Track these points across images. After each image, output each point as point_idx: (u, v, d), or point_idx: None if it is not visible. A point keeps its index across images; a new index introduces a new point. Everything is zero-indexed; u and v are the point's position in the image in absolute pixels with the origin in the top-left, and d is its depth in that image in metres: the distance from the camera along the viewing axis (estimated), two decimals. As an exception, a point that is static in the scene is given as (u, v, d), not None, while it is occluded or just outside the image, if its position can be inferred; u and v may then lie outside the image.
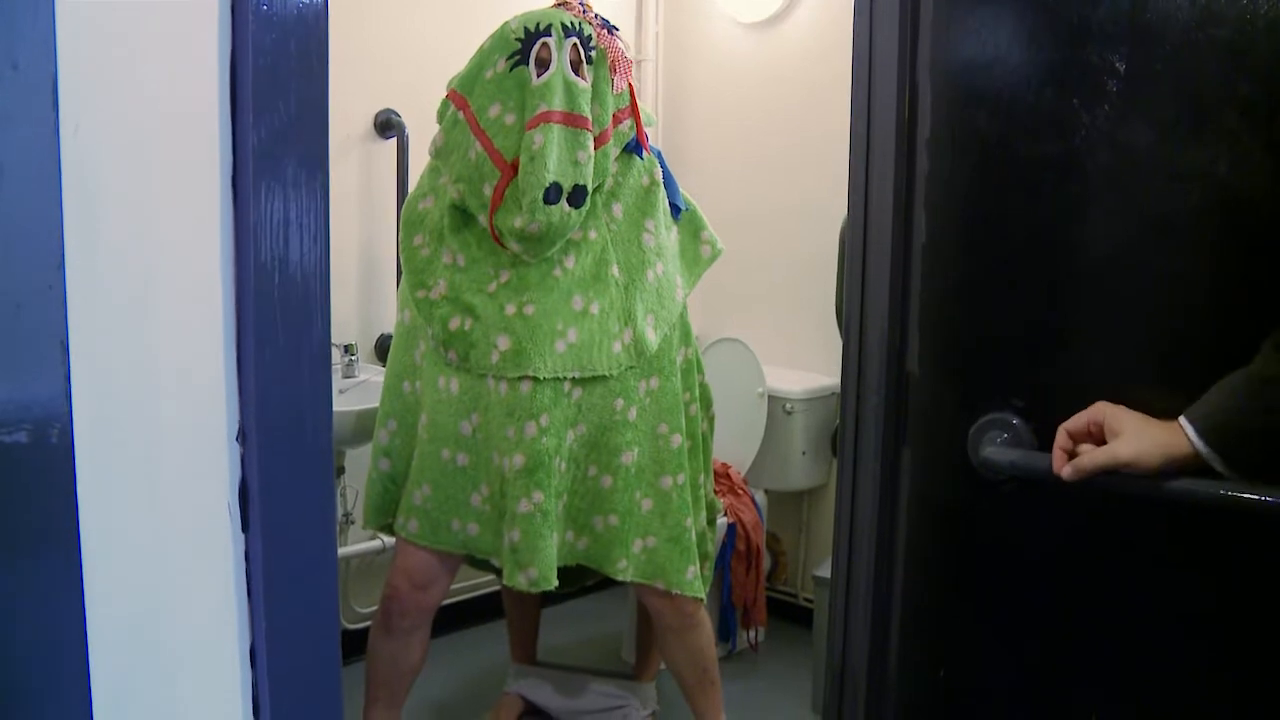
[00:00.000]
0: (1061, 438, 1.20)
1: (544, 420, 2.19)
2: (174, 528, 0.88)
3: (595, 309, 2.24)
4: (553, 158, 2.09)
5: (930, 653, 1.43)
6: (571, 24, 2.17)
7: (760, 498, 3.32)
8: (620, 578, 2.33)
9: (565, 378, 2.20)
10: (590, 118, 2.16)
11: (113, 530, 0.83)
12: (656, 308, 2.32)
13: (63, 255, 0.76)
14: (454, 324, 2.21)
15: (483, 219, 2.19)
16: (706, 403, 2.55)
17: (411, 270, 2.30)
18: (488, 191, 2.16)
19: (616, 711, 2.92)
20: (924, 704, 1.44)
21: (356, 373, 3.00)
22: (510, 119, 2.15)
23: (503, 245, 2.20)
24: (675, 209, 2.42)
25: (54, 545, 0.78)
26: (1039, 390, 1.28)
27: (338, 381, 2.90)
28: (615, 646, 3.33)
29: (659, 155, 2.42)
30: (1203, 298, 1.31)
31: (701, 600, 2.41)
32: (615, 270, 2.27)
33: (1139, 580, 1.27)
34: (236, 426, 0.89)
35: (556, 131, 2.10)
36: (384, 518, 2.41)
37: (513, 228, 2.12)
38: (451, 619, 3.29)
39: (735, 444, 3.29)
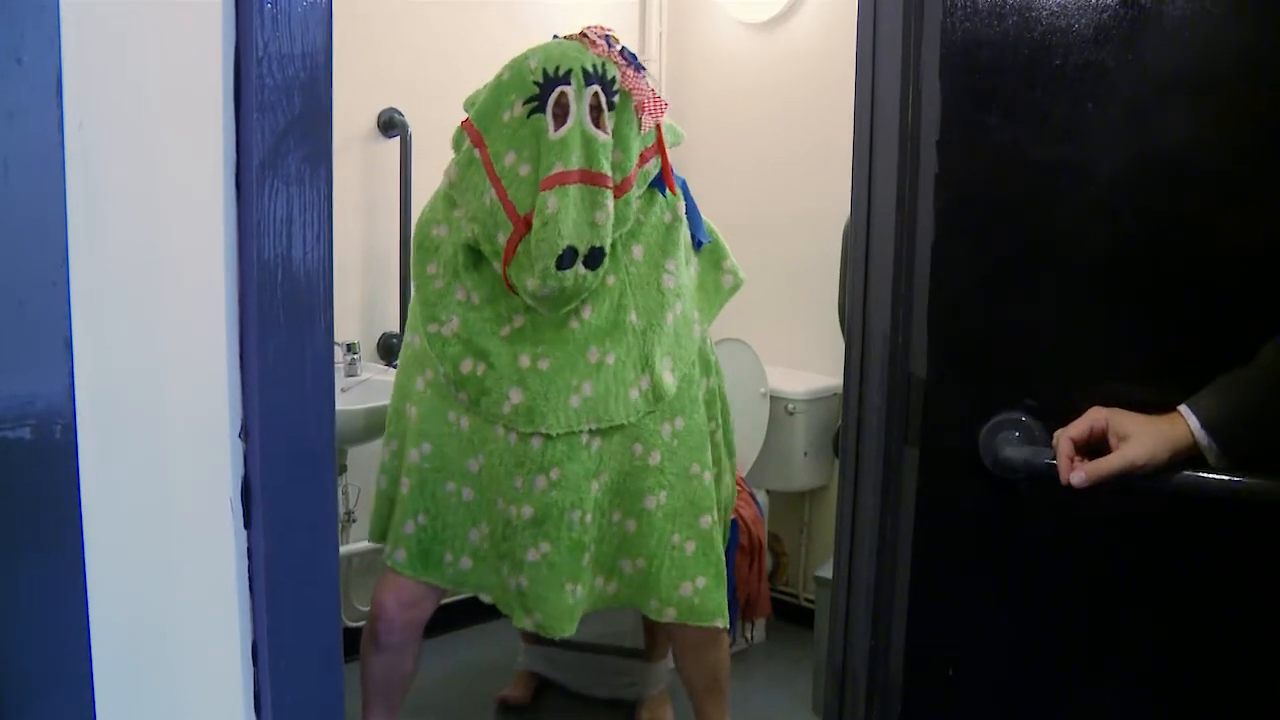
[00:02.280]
0: (1066, 446, 1.20)
1: (554, 474, 2.16)
2: (176, 524, 0.89)
3: (611, 359, 2.17)
4: (568, 221, 2.00)
5: (938, 653, 1.43)
6: (594, 68, 2.07)
7: (762, 498, 3.32)
8: (658, 619, 2.31)
9: (580, 430, 2.15)
10: (609, 173, 2.07)
11: (115, 526, 0.83)
12: (675, 349, 2.26)
13: (66, 251, 0.76)
14: (466, 367, 2.16)
15: (496, 265, 2.13)
16: (726, 415, 2.52)
17: (424, 301, 2.24)
18: (501, 240, 2.09)
19: (629, 688, 2.97)
20: (930, 705, 1.44)
21: (359, 371, 3.01)
22: (525, 170, 2.06)
23: (515, 293, 2.13)
24: (698, 242, 2.37)
25: (57, 541, 0.78)
26: (1051, 389, 1.27)
27: (340, 380, 2.91)
28: (623, 630, 3.33)
29: (684, 186, 2.35)
30: (1213, 297, 1.31)
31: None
32: (633, 317, 2.20)
33: (1156, 579, 1.27)
34: (239, 423, 0.89)
35: (573, 193, 2.01)
36: (385, 534, 2.39)
37: (525, 288, 2.06)
38: (450, 618, 3.29)
39: (737, 444, 3.28)
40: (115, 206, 0.82)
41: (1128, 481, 1.15)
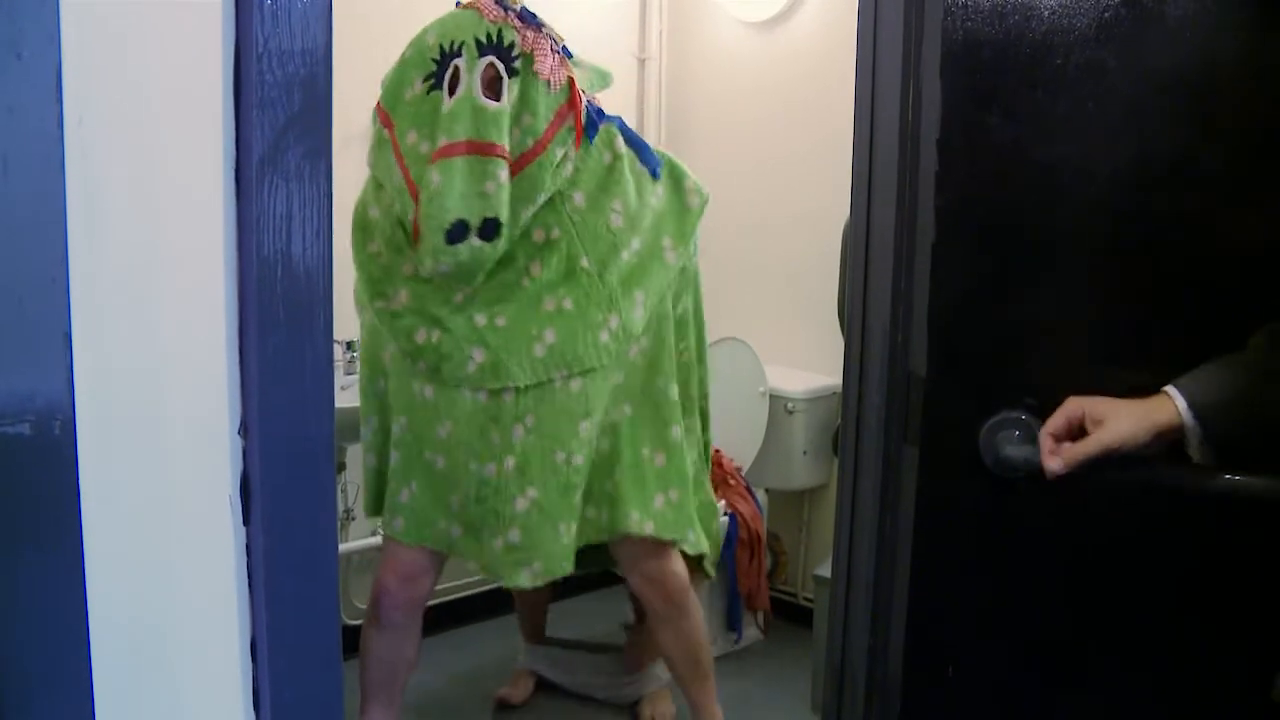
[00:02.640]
0: (1046, 441, 1.20)
1: (529, 420, 2.17)
2: (176, 520, 0.89)
3: (569, 304, 2.16)
4: (453, 194, 1.97)
5: (938, 652, 1.43)
6: (488, 37, 2.05)
7: (761, 497, 3.32)
8: (637, 531, 2.31)
9: (552, 379, 2.15)
10: (501, 142, 2.01)
11: (115, 522, 0.83)
12: (643, 284, 2.24)
13: (66, 247, 0.76)
14: (420, 337, 2.15)
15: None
16: (701, 330, 2.51)
17: (368, 278, 2.22)
18: (409, 220, 2.09)
19: (629, 687, 2.98)
20: (929, 704, 1.44)
21: (358, 369, 3.00)
22: (425, 148, 2.06)
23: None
24: (652, 170, 2.31)
25: (56, 536, 0.78)
26: (1052, 388, 1.27)
27: (339, 378, 2.90)
28: (618, 640, 3.33)
29: (620, 123, 2.29)
30: (1214, 296, 1.32)
31: (709, 576, 2.45)
32: (585, 262, 2.19)
33: (1156, 578, 1.27)
34: (239, 419, 0.89)
35: (459, 165, 1.98)
36: (380, 509, 2.40)
37: (424, 268, 2.06)
38: (447, 617, 3.29)
39: (737, 443, 3.28)
40: (115, 202, 0.82)
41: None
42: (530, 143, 2.08)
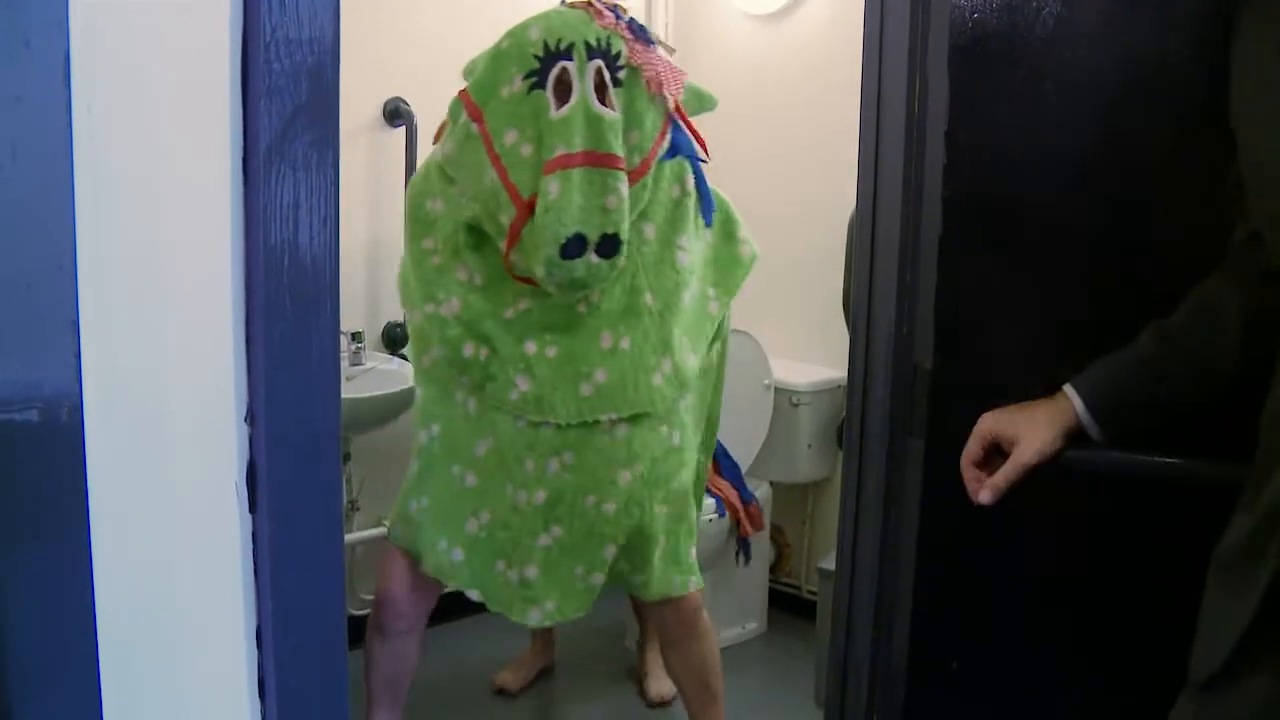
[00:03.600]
0: (969, 472, 1.24)
1: (568, 458, 2.08)
2: (182, 507, 0.89)
3: (627, 344, 2.05)
4: (572, 207, 1.85)
5: (942, 644, 1.43)
6: (598, 41, 1.93)
7: (765, 489, 3.33)
8: (680, 593, 2.25)
9: (599, 419, 2.05)
10: (620, 154, 1.91)
11: (122, 509, 0.84)
12: (693, 331, 2.16)
13: (74, 234, 0.76)
14: (468, 350, 2.05)
15: (500, 246, 2.01)
16: (719, 384, 2.43)
17: (421, 278, 2.11)
18: (504, 222, 1.97)
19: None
20: (933, 696, 1.44)
21: (363, 360, 3.01)
22: (527, 150, 1.93)
23: (519, 279, 2.02)
24: (707, 218, 2.22)
25: (63, 523, 0.78)
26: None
27: (345, 369, 2.91)
28: (619, 633, 3.33)
29: (693, 157, 2.18)
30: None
31: (700, 591, 2.32)
32: (649, 299, 2.08)
33: (1161, 570, 1.28)
34: (245, 407, 0.89)
35: (577, 177, 1.86)
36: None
37: (534, 275, 1.94)
38: (445, 611, 3.29)
39: (741, 436, 3.28)
40: (122, 190, 0.82)
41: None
42: (637, 161, 1.99)
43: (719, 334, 2.31)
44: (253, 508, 0.90)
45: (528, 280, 2.01)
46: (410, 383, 2.80)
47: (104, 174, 0.80)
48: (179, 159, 0.86)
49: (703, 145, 2.17)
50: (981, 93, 1.33)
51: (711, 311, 2.21)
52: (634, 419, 2.08)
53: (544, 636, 3.10)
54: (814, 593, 3.34)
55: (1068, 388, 1.22)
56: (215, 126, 0.86)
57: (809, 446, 3.32)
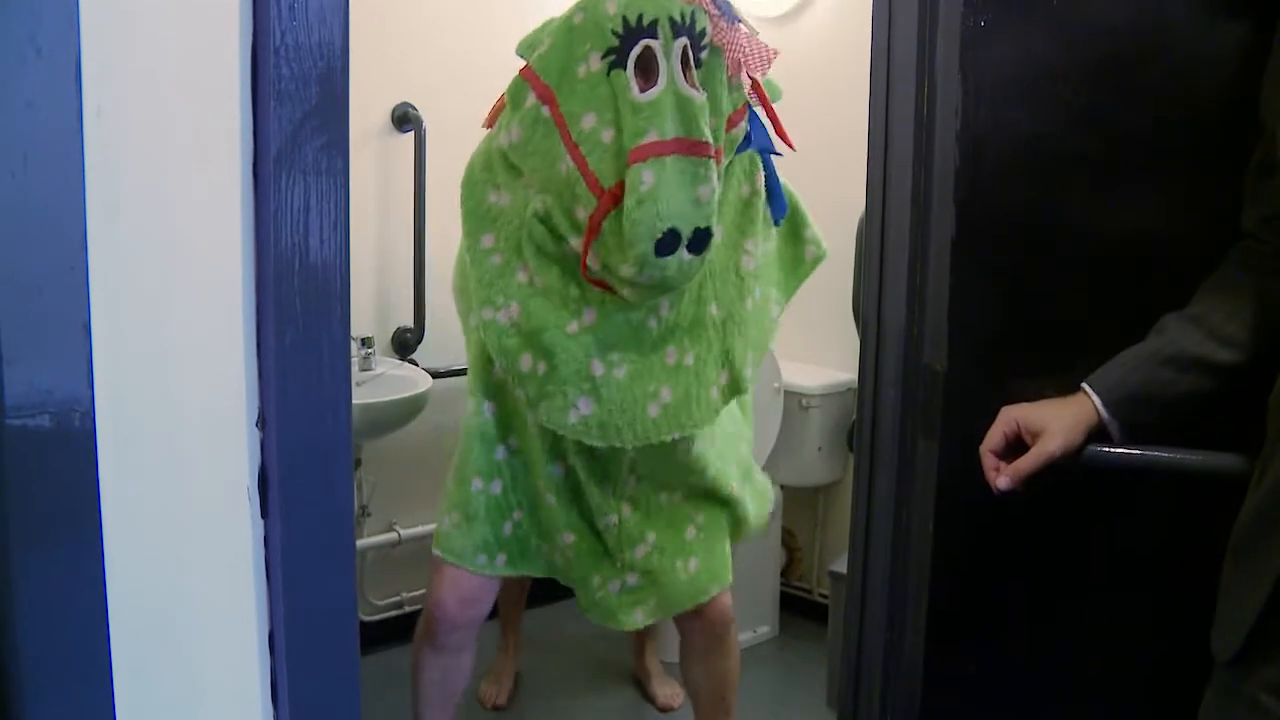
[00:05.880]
0: (988, 459, 1.25)
1: (640, 468, 2.05)
2: (194, 512, 0.89)
3: (690, 359, 1.93)
4: (668, 199, 1.67)
5: (956, 649, 1.42)
6: (683, 17, 1.73)
7: (776, 492, 3.32)
8: (719, 590, 2.22)
9: (663, 440, 1.93)
10: (711, 140, 1.73)
11: (134, 514, 0.84)
12: (757, 339, 2.01)
13: (85, 239, 0.76)
14: (525, 363, 1.88)
15: (574, 243, 1.82)
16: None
17: (480, 280, 1.92)
18: (581, 216, 1.78)
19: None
20: (948, 702, 1.43)
21: (373, 366, 3.01)
22: (608, 136, 1.74)
23: (593, 282, 1.84)
24: (776, 217, 2.06)
25: (76, 528, 0.78)
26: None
27: (355, 374, 2.91)
28: (622, 636, 3.33)
29: (766, 154, 2.01)
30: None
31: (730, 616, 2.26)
32: (713, 308, 1.94)
33: (1182, 569, 1.27)
34: (257, 412, 0.89)
35: (671, 166, 1.68)
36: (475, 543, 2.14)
37: (618, 275, 1.75)
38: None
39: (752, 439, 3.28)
40: (133, 195, 0.82)
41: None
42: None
43: None
44: (264, 513, 0.90)
45: (601, 284, 1.84)
46: (420, 389, 2.81)
47: (115, 179, 0.80)
48: (189, 164, 0.86)
49: (784, 135, 1.97)
50: (995, 94, 1.33)
51: (773, 316, 2.07)
52: (695, 435, 2.01)
53: (514, 639, 3.03)
54: (825, 596, 3.33)
55: (1086, 386, 1.23)
56: (225, 131, 0.86)
57: (820, 449, 3.31)
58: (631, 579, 2.12)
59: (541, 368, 1.87)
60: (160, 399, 0.86)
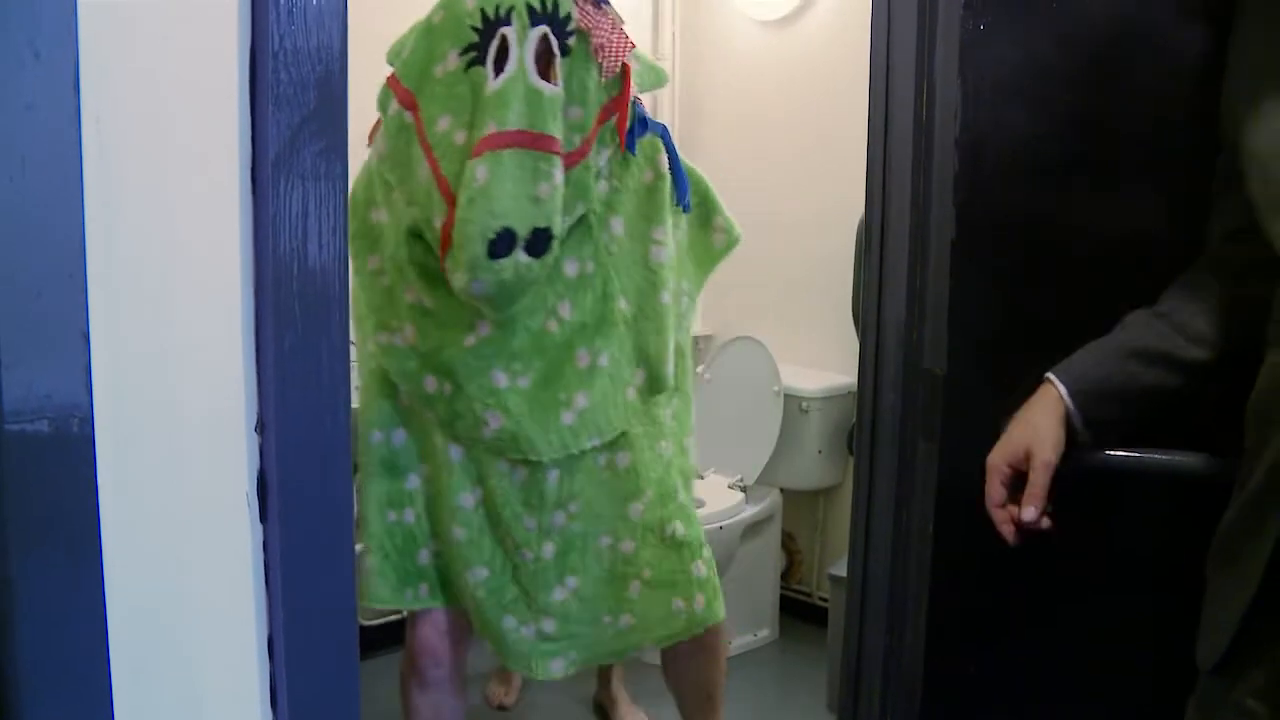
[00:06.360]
0: (998, 515, 1.21)
1: (573, 507, 1.87)
2: (193, 517, 0.89)
3: (605, 360, 1.81)
4: (503, 196, 1.57)
5: (957, 652, 1.42)
6: (543, 5, 1.64)
7: (775, 496, 3.32)
8: (716, 620, 2.02)
9: (583, 451, 1.82)
10: (558, 135, 1.63)
11: (133, 519, 0.84)
12: (680, 333, 1.92)
13: (83, 244, 0.76)
14: (430, 386, 1.79)
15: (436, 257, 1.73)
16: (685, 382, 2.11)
17: (370, 304, 1.84)
18: (438, 225, 1.67)
19: None
20: (948, 704, 1.43)
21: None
22: (461, 137, 1.64)
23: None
24: (682, 203, 1.94)
25: (75, 534, 0.78)
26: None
27: (354, 377, 2.90)
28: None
29: (663, 132, 1.89)
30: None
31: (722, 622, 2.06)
32: (622, 304, 1.83)
33: (1182, 570, 1.27)
34: (255, 417, 0.89)
35: (508, 160, 1.57)
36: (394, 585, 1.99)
37: (454, 285, 1.66)
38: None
39: (750, 442, 3.28)
40: (132, 200, 0.82)
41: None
42: (578, 141, 1.71)
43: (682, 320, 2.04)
44: (264, 517, 0.90)
45: None
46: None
47: (113, 183, 0.80)
48: (188, 168, 0.86)
49: (623, 135, 1.84)
50: (994, 97, 1.33)
51: (683, 308, 1.97)
52: (626, 443, 1.87)
53: None
54: (825, 599, 3.33)
55: (1051, 375, 1.21)
56: (224, 136, 0.86)
57: (819, 452, 3.31)
58: (547, 625, 1.93)
59: (447, 388, 1.78)
60: (159, 403, 0.86)
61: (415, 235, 1.75)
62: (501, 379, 1.76)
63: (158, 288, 0.85)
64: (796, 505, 3.53)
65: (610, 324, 1.81)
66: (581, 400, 1.79)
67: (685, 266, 1.97)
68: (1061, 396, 1.19)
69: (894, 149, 1.45)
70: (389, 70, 1.79)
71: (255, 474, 0.90)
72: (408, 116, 1.72)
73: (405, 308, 1.78)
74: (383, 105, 1.79)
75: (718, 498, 3.10)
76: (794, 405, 3.27)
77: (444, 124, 1.66)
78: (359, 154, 3.00)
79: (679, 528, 1.95)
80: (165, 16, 0.83)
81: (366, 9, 2.90)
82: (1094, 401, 1.19)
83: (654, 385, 1.88)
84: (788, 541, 3.55)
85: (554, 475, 1.83)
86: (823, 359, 3.45)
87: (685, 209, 1.95)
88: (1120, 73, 1.31)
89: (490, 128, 1.59)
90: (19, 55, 0.72)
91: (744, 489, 3.21)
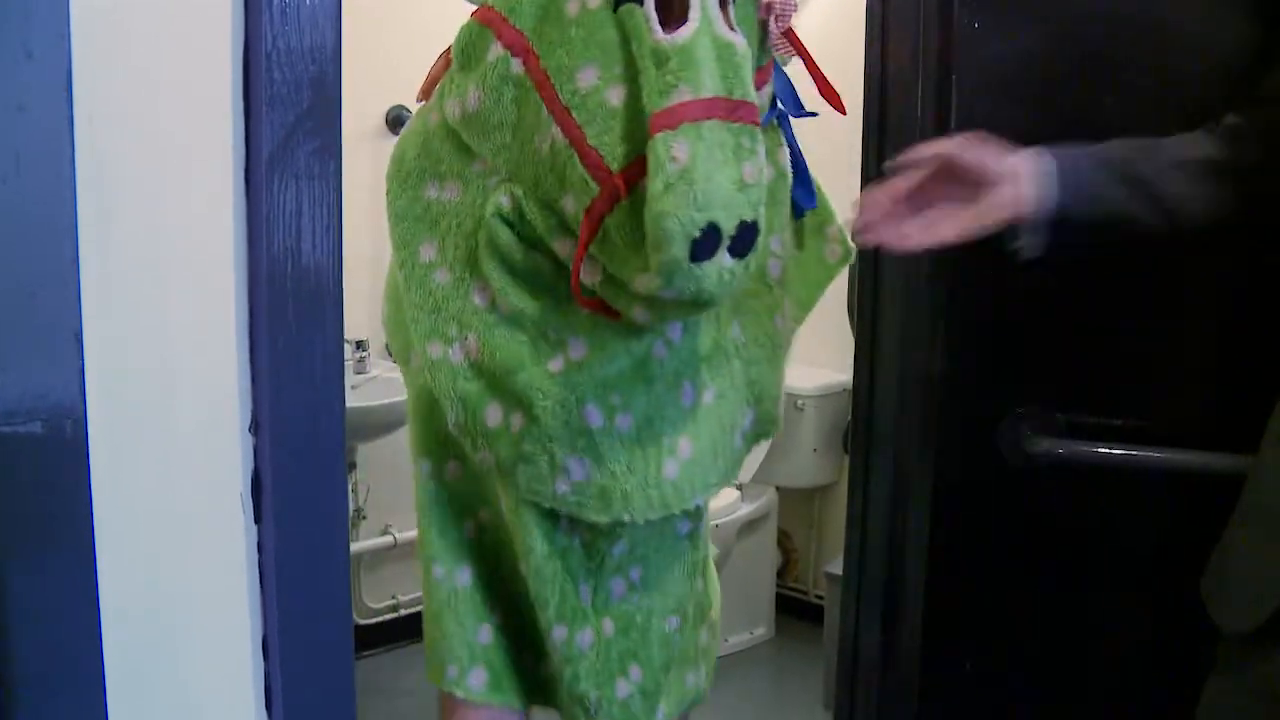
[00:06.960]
0: (882, 204, 1.13)
1: (635, 574, 1.49)
2: (187, 519, 0.89)
3: (710, 396, 1.41)
4: (704, 181, 1.13)
5: (953, 649, 1.42)
6: None
7: (771, 494, 3.32)
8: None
9: (673, 513, 1.41)
10: (757, 103, 1.22)
11: (126, 521, 0.83)
12: (781, 365, 1.51)
13: (77, 245, 0.76)
14: (493, 418, 1.36)
15: (559, 249, 1.30)
16: None
17: (422, 306, 1.39)
18: (571, 210, 1.25)
19: None
20: (944, 702, 1.43)
21: (368, 369, 3.01)
22: (616, 96, 1.21)
23: (584, 302, 1.29)
24: (799, 209, 1.54)
25: (68, 535, 0.78)
26: (1071, 382, 1.27)
27: (349, 378, 2.91)
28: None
29: (787, 126, 1.51)
30: (1232, 292, 1.31)
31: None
32: (736, 330, 1.44)
33: (1180, 570, 1.27)
34: (249, 417, 0.89)
35: (709, 136, 1.14)
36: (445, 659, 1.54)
37: (635, 293, 1.23)
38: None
39: (746, 441, 3.28)
40: (125, 200, 0.82)
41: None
42: None
43: None
44: (258, 518, 0.90)
45: (594, 304, 1.30)
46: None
47: (106, 184, 0.80)
48: (181, 169, 0.86)
49: (833, 96, 1.47)
50: (990, 91, 1.33)
51: (792, 332, 1.55)
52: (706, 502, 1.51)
53: None
54: (821, 597, 3.33)
55: (1046, 153, 1.13)
56: (217, 136, 0.86)
57: (815, 450, 3.31)
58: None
59: (516, 421, 1.35)
60: (153, 405, 0.86)
61: (505, 220, 1.33)
62: (596, 417, 1.34)
63: (151, 288, 0.85)
64: (792, 503, 3.53)
65: (722, 353, 1.43)
66: (686, 448, 1.39)
67: (791, 285, 1.52)
68: (1050, 172, 1.11)
69: (889, 145, 1.45)
70: (470, 6, 1.38)
71: (249, 474, 0.89)
72: (517, 65, 1.26)
73: (472, 312, 1.37)
74: (470, 48, 1.34)
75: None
76: (790, 403, 3.26)
77: (587, 78, 1.22)
78: (354, 153, 3.01)
79: (716, 602, 1.67)
80: (158, 16, 0.83)
81: (361, 8, 2.90)
82: (1072, 196, 1.12)
83: (762, 429, 1.50)
84: (784, 540, 3.55)
85: (619, 533, 1.45)
86: (819, 356, 3.44)
87: (799, 214, 1.55)
88: (1118, 68, 1.31)
89: (683, 93, 1.15)
90: (12, 55, 0.72)
91: (739, 487, 3.21)
